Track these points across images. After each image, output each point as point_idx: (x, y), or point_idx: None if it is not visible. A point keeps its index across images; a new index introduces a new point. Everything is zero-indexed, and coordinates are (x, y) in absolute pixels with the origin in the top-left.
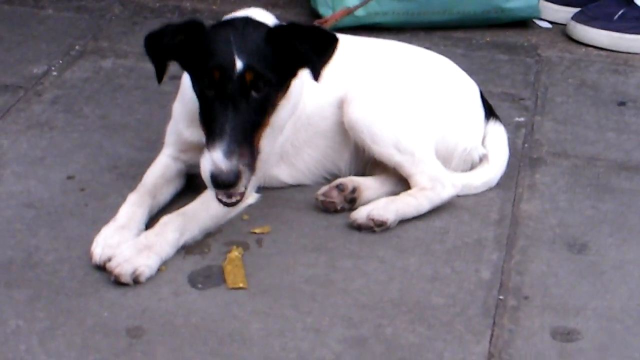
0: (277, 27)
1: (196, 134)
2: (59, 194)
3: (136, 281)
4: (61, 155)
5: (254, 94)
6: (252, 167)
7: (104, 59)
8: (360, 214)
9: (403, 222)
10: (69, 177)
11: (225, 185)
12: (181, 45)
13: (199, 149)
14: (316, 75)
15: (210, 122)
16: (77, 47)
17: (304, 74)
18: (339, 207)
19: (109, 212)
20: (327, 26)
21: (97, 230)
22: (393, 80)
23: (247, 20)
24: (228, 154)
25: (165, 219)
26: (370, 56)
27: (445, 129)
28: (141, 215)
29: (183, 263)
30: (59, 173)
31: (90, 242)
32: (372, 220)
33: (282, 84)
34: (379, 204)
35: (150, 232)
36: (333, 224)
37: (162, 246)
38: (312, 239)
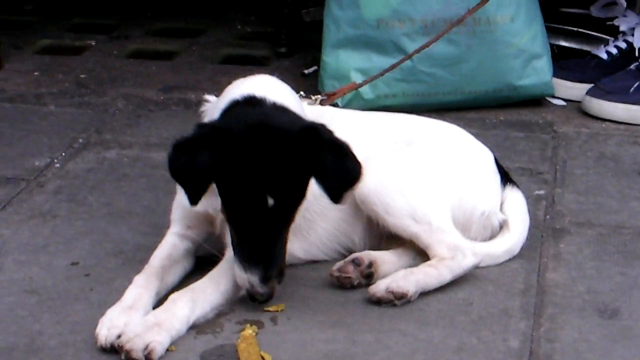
0: (301, 136)
1: (203, 203)
2: (62, 279)
3: (148, 358)
4: (64, 243)
5: (283, 218)
6: (283, 271)
7: (107, 150)
8: (379, 288)
9: (424, 294)
10: (73, 264)
11: (260, 302)
12: (210, 163)
13: (206, 222)
14: (335, 201)
15: (242, 239)
16: (80, 140)
17: None
18: (355, 283)
19: (115, 296)
20: (336, 98)
21: (103, 314)
22: (403, 150)
23: (267, 124)
24: (265, 279)
25: (174, 296)
26: (379, 128)
27: (461, 193)
28: (148, 297)
29: (194, 343)
30: (62, 260)
31: (95, 325)
32: (392, 293)
33: (305, 192)
34: (398, 276)
35: (159, 309)
36: (350, 300)
37: (172, 323)
38: (329, 315)
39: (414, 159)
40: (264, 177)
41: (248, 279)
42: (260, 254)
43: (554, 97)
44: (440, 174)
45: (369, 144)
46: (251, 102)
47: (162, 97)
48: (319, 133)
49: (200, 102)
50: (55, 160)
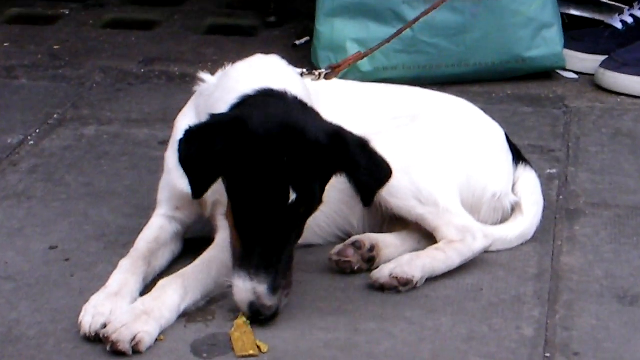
0: (330, 138)
1: None
2: (40, 264)
3: (135, 350)
4: (42, 225)
5: (301, 218)
6: (290, 282)
7: (85, 126)
8: (383, 273)
9: (430, 280)
10: (52, 247)
11: (265, 318)
12: (225, 153)
13: (195, 203)
14: (368, 202)
15: (249, 243)
16: (55, 116)
17: None
18: (355, 267)
19: (98, 282)
20: (340, 71)
21: (85, 301)
22: (408, 126)
23: (290, 123)
24: (273, 290)
25: (163, 282)
26: (381, 102)
27: (470, 172)
28: (134, 283)
29: (185, 332)
30: (39, 243)
31: (78, 313)
32: (396, 278)
33: (322, 197)
34: (403, 261)
35: (147, 296)
36: (351, 286)
37: (161, 311)
38: (329, 302)
39: (419, 135)
40: (288, 170)
41: (253, 288)
42: (269, 260)
43: (565, 69)
44: (448, 152)
45: (370, 119)
46: (267, 95)
47: (142, 70)
48: (344, 134)
49: (182, 75)
50: (29, 138)
